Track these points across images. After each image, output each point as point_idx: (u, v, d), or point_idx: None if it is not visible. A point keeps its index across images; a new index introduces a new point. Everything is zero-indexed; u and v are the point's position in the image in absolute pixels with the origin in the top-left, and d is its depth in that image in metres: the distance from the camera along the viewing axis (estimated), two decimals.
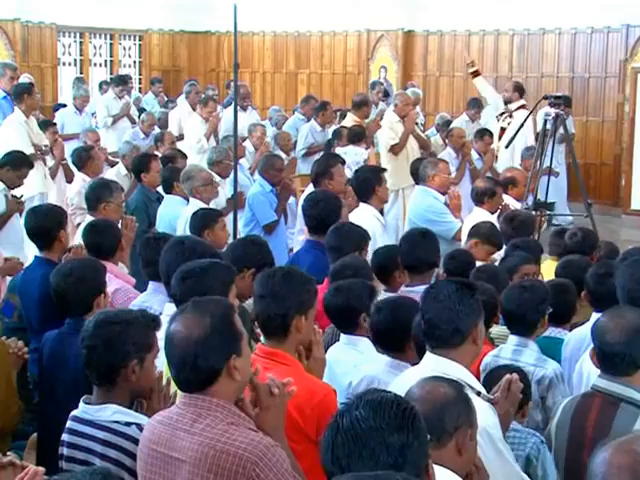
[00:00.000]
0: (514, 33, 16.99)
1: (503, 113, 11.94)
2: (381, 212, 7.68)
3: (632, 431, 3.35)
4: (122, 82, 14.92)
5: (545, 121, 9.23)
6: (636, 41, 15.60)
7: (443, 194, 8.13)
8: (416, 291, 5.06)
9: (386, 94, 14.74)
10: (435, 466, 2.57)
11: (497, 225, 7.20)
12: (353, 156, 10.17)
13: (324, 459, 2.45)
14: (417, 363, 3.87)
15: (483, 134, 11.50)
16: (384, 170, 7.81)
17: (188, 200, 7.89)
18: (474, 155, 11.16)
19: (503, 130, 11.65)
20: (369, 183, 7.31)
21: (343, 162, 7.96)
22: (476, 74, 12.66)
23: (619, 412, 3.54)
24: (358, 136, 10.66)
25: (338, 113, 13.74)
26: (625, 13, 15.22)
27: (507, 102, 11.95)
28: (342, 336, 4.84)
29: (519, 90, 12.06)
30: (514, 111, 11.77)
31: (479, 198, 7.93)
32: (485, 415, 3.40)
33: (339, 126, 11.91)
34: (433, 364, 3.58)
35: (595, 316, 5.02)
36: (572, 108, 13.55)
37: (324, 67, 19.24)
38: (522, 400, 3.96)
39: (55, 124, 11.61)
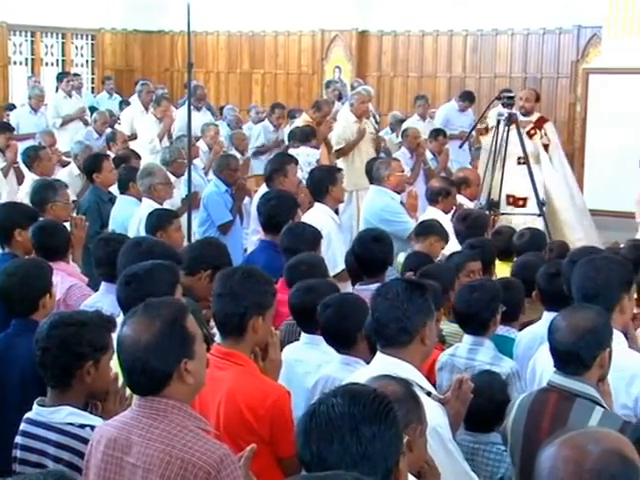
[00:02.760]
0: (467, 34, 17.12)
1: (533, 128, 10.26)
2: (336, 212, 7.69)
3: (587, 425, 3.39)
4: (65, 75, 14.83)
5: (498, 121, 9.29)
6: (587, 42, 15.81)
7: (399, 193, 8.17)
8: (369, 289, 5.08)
9: (339, 96, 14.76)
10: None
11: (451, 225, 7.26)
12: (305, 157, 10.18)
13: (297, 443, 2.46)
14: (369, 359, 3.89)
15: (437, 134, 11.57)
16: (339, 170, 7.83)
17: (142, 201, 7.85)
18: (429, 155, 11.22)
19: (545, 147, 10.23)
20: (323, 183, 7.32)
21: (296, 162, 7.98)
22: None
23: (575, 407, 3.57)
24: (307, 135, 10.67)
25: (288, 113, 13.80)
26: (576, 14, 15.41)
27: (526, 114, 10.24)
28: (303, 335, 4.84)
29: (538, 98, 10.88)
30: (541, 124, 10.39)
31: (433, 198, 7.98)
32: (435, 415, 3.41)
33: (295, 127, 11.92)
34: (383, 364, 3.58)
35: (546, 315, 5.07)
36: None
37: (278, 67, 19.23)
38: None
39: (13, 129, 11.49)
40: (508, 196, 9.82)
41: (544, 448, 2.31)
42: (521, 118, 9.79)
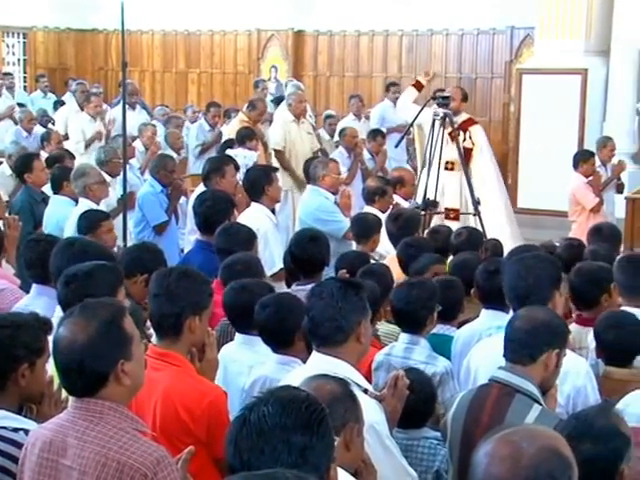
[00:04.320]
0: (403, 34, 17.22)
1: (456, 130, 9.66)
2: (272, 211, 7.69)
3: (524, 422, 3.43)
4: None
5: (433, 121, 9.34)
6: (520, 42, 16.01)
7: (334, 194, 8.20)
8: (306, 289, 5.08)
9: (280, 100, 14.71)
10: None
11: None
12: (242, 158, 10.15)
13: (227, 451, 2.44)
14: (306, 358, 3.89)
15: (376, 135, 11.64)
16: (275, 170, 7.83)
17: (77, 200, 7.78)
18: (366, 155, 11.27)
19: (469, 151, 9.78)
20: (259, 183, 7.33)
21: (235, 164, 7.97)
22: (419, 87, 10.56)
23: (514, 402, 3.61)
24: (244, 137, 10.63)
25: (224, 112, 13.79)
26: (510, 15, 15.59)
27: (453, 114, 9.64)
28: (237, 335, 4.83)
29: (465, 98, 10.39)
30: (466, 126, 9.95)
31: (370, 197, 8.03)
32: (372, 412, 3.43)
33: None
34: (319, 363, 3.59)
35: (485, 312, 5.13)
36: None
37: (214, 66, 19.17)
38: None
39: None
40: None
41: (480, 445, 2.33)
42: None
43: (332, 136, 12.99)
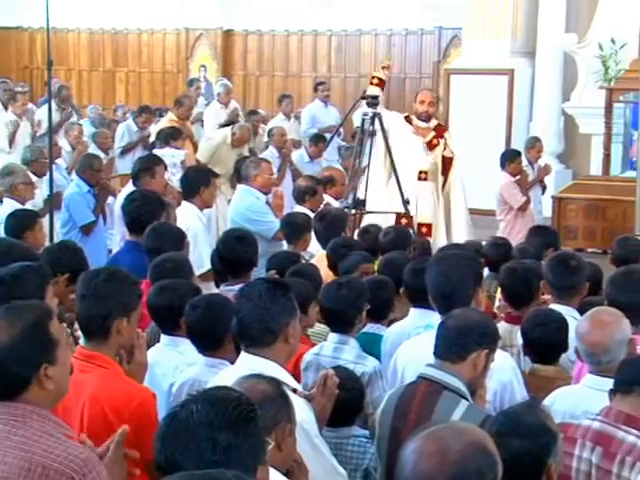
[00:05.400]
0: (332, 34, 17.27)
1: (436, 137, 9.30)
2: None
3: (451, 418, 3.46)
4: None
5: (363, 120, 9.36)
6: (448, 43, 16.16)
7: (265, 194, 8.19)
8: (234, 290, 5.07)
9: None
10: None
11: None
12: (170, 158, 10.08)
13: (154, 446, 2.44)
14: (234, 359, 3.88)
15: (318, 140, 11.68)
16: (216, 175, 7.81)
17: (1, 201, 7.68)
18: (305, 158, 11.26)
19: (450, 160, 9.37)
20: (196, 182, 7.32)
21: (164, 165, 7.93)
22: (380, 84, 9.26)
23: (441, 399, 3.64)
24: (167, 137, 10.55)
25: (157, 112, 13.70)
26: (438, 16, 15.73)
27: (426, 119, 9.40)
28: (162, 337, 4.80)
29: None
30: (442, 132, 9.58)
31: (300, 197, 8.02)
32: (301, 411, 3.42)
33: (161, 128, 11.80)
34: (248, 363, 3.60)
35: (413, 311, 5.15)
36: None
37: (143, 65, 19.01)
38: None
39: None
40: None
41: (407, 442, 2.34)
42: (420, 124, 9.38)
43: (255, 133, 12.91)
